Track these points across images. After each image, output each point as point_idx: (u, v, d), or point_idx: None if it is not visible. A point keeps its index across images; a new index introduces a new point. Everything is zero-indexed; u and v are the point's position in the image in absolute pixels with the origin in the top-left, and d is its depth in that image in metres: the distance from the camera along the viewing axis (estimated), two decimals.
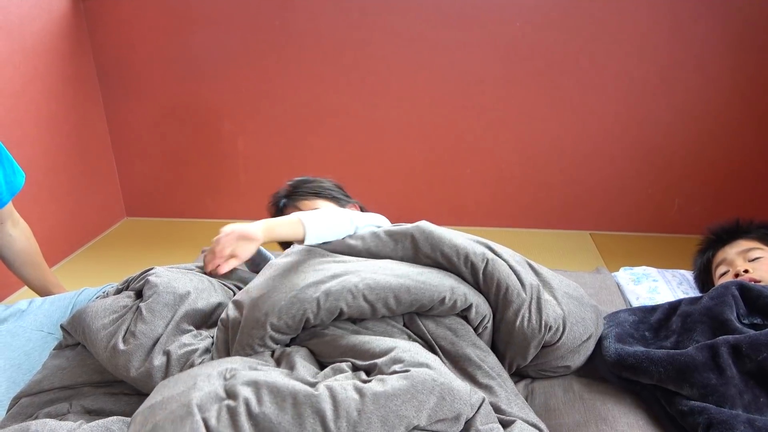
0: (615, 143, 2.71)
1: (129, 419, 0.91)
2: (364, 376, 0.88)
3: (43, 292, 1.61)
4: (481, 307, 1.06)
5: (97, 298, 1.28)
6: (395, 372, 0.85)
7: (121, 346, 1.03)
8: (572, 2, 2.48)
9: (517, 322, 1.04)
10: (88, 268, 2.62)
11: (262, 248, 1.27)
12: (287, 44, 2.69)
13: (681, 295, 1.43)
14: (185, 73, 2.81)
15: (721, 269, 1.34)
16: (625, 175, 2.77)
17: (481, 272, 1.07)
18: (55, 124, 2.57)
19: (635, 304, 1.46)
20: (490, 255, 1.09)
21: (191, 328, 1.09)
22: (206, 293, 1.15)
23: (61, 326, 1.17)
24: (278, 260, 1.14)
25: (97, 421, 0.88)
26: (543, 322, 1.03)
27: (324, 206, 1.43)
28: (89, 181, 2.84)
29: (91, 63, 2.82)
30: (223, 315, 1.08)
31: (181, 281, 1.13)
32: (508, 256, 1.12)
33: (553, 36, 2.55)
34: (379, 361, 0.89)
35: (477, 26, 2.57)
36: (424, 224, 1.15)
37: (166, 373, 1.02)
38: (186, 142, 2.96)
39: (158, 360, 1.02)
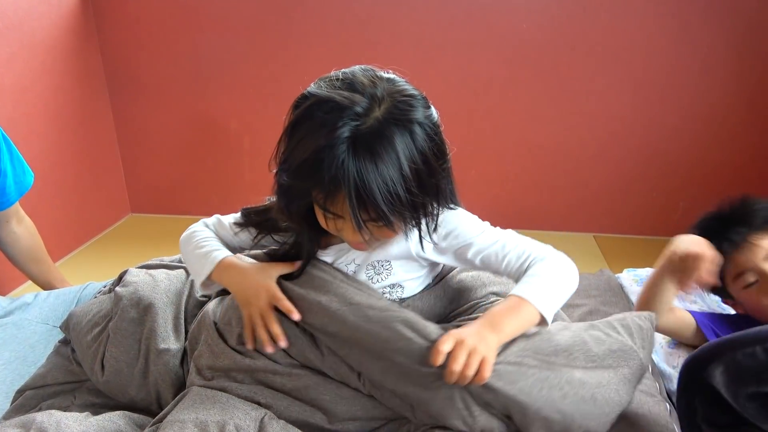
0: (620, 146, 2.71)
1: (135, 415, 0.91)
2: None
3: (47, 287, 1.62)
4: None
5: (98, 294, 1.28)
6: None
7: (100, 375, 1.02)
8: (579, 5, 2.48)
9: None
10: (93, 262, 2.63)
11: None
12: (294, 43, 2.69)
13: (683, 297, 1.41)
14: (192, 70, 2.82)
15: (747, 278, 1.15)
16: (629, 177, 2.76)
17: None
18: (62, 119, 2.58)
19: None
20: None
21: (167, 346, 1.01)
22: (178, 297, 1.09)
23: (60, 327, 1.17)
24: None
25: (103, 415, 0.88)
26: None
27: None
28: (95, 177, 2.85)
29: (99, 59, 2.83)
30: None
31: (148, 288, 1.07)
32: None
33: (559, 38, 2.55)
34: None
35: (484, 28, 2.57)
36: None
37: (156, 398, 1.00)
38: (192, 140, 2.97)
39: (142, 390, 1.00)
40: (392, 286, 0.97)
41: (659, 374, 1.22)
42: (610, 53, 2.54)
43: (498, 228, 0.97)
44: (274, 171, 0.85)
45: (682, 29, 2.47)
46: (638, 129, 2.66)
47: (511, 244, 0.92)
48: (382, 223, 0.80)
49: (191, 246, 1.02)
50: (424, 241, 0.88)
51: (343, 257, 0.96)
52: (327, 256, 0.97)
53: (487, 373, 0.76)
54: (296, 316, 0.88)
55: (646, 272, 1.57)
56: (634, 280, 1.55)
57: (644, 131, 2.66)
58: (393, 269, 0.96)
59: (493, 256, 0.92)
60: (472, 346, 0.76)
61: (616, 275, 1.62)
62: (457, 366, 0.75)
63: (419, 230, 0.85)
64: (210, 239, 1.03)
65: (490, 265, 0.93)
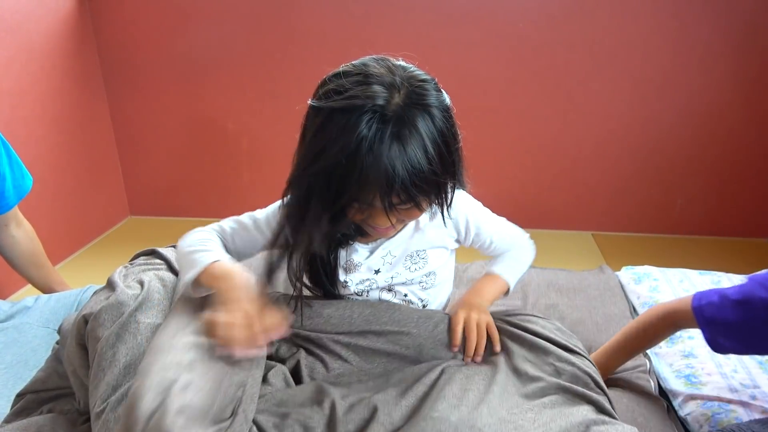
0: (617, 144, 2.72)
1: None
2: None
3: (47, 291, 1.62)
4: None
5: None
6: None
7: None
8: (576, 3, 2.49)
9: None
10: (92, 265, 2.63)
11: None
12: (292, 43, 2.69)
13: (682, 294, 1.39)
14: (190, 72, 2.82)
15: None
16: (627, 175, 2.77)
17: None
18: (60, 122, 2.58)
19: (636, 303, 1.46)
20: None
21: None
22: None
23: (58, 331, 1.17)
24: None
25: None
26: None
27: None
28: (93, 180, 2.85)
29: (96, 62, 2.83)
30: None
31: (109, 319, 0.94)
32: None
33: (556, 37, 2.55)
34: None
35: (480, 27, 2.57)
36: None
37: None
38: (190, 142, 2.97)
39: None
40: (428, 274, 1.03)
41: (655, 373, 1.22)
42: (608, 52, 2.55)
43: (490, 212, 1.12)
44: (296, 176, 0.89)
45: (680, 28, 2.47)
46: (636, 127, 2.67)
47: (498, 235, 1.09)
48: (411, 205, 0.83)
49: (184, 244, 1.00)
50: (446, 220, 0.96)
51: (378, 249, 1.00)
52: (364, 250, 1.00)
53: (496, 333, 0.97)
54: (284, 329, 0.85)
55: (643, 270, 1.58)
56: (632, 278, 1.55)
57: (642, 129, 2.67)
58: (428, 258, 1.02)
59: (487, 242, 1.09)
60: (477, 318, 0.97)
61: (615, 273, 1.63)
62: (471, 349, 0.95)
63: (441, 209, 0.90)
64: (207, 242, 0.99)
65: (480, 246, 1.10)
